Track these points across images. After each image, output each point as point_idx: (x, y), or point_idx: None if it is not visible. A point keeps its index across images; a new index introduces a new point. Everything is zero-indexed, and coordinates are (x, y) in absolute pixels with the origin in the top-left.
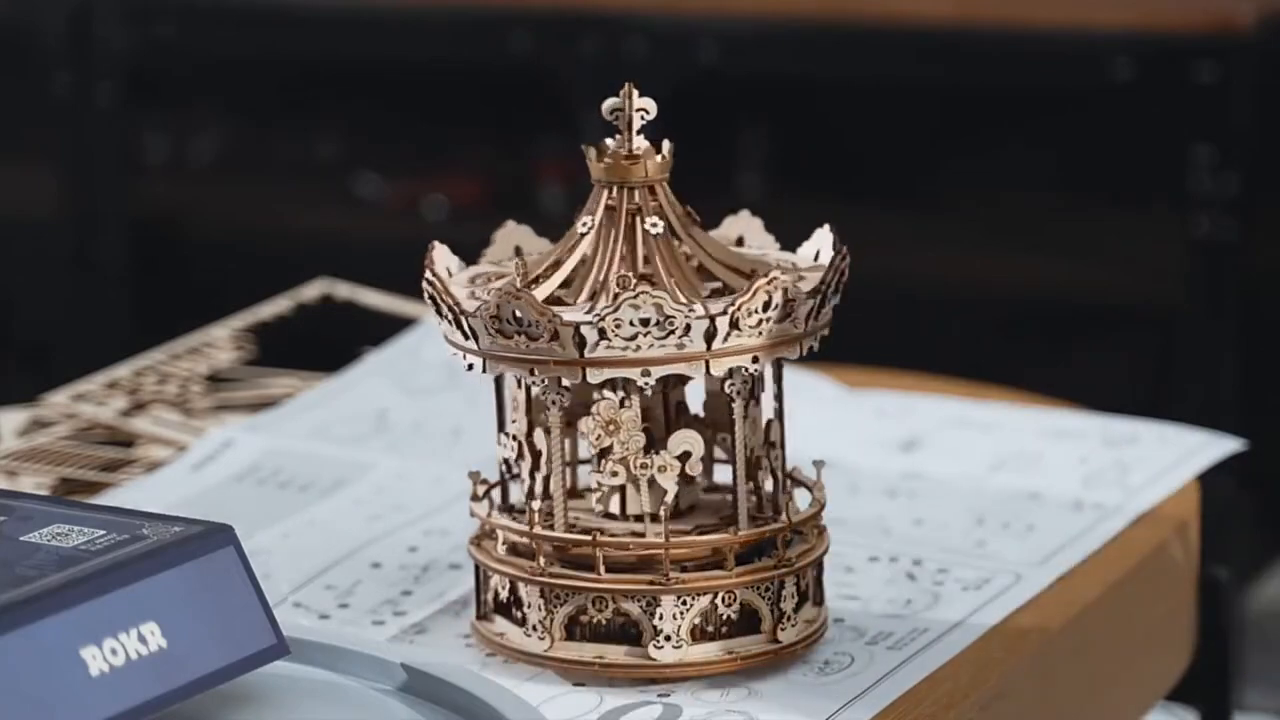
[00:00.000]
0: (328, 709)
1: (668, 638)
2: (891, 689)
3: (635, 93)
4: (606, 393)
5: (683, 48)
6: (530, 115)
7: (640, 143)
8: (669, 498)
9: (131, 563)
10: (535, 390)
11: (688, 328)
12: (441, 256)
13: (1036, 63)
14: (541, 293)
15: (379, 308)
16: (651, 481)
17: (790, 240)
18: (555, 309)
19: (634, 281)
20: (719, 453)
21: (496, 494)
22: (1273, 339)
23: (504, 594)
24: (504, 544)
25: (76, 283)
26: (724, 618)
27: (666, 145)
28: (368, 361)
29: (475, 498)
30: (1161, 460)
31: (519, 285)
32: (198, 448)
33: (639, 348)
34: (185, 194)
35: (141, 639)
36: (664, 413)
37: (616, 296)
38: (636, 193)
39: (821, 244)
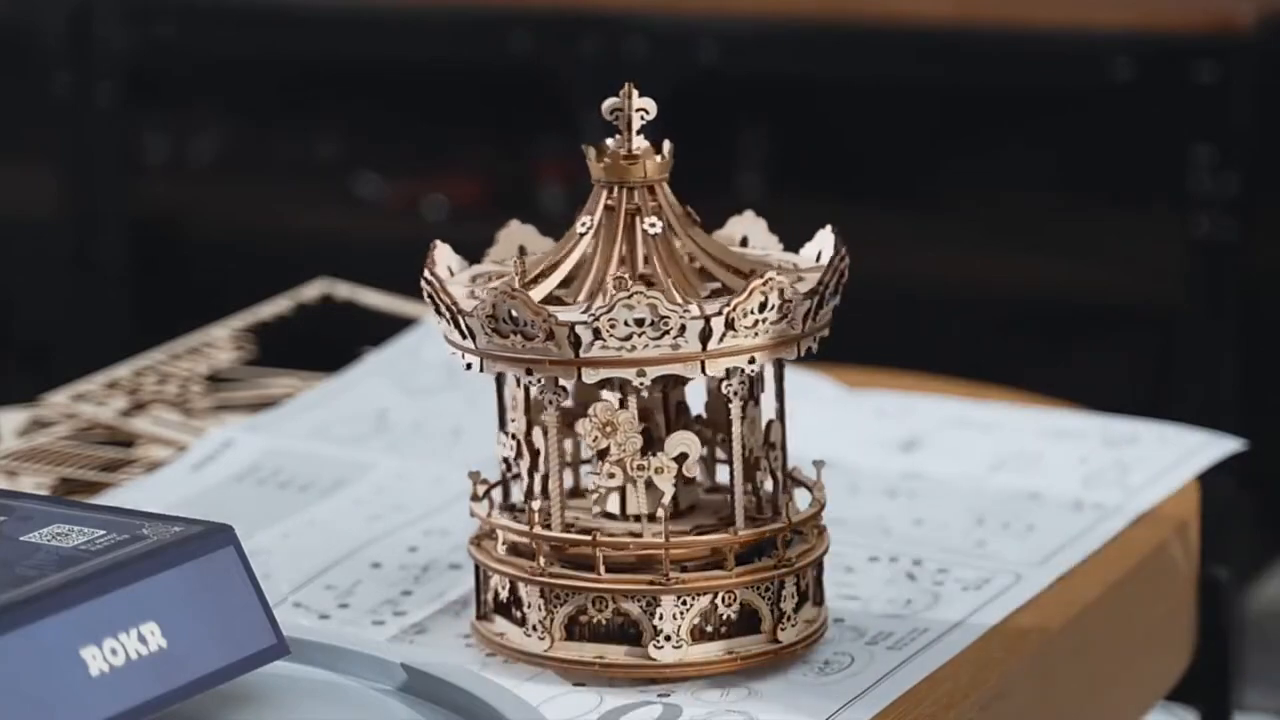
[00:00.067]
0: (328, 709)
1: (668, 638)
2: (891, 689)
3: (635, 93)
4: (605, 394)
5: (683, 48)
6: (530, 115)
7: (640, 143)
8: (666, 499)
9: (131, 563)
10: (533, 390)
11: (683, 328)
12: (443, 256)
13: (1036, 63)
14: (540, 292)
15: (379, 308)
16: (649, 483)
17: (790, 240)
18: (551, 309)
19: (630, 282)
20: (721, 453)
21: (497, 494)
22: (1273, 339)
23: (504, 594)
24: (504, 544)
25: (76, 283)
26: (724, 618)
27: (666, 145)
28: (368, 361)
29: (475, 498)
30: (1161, 460)
31: (517, 285)
32: (198, 448)
33: (634, 348)
34: (185, 194)
35: (141, 639)
36: (664, 413)
37: (611, 297)
38: (636, 193)
39: (823, 245)
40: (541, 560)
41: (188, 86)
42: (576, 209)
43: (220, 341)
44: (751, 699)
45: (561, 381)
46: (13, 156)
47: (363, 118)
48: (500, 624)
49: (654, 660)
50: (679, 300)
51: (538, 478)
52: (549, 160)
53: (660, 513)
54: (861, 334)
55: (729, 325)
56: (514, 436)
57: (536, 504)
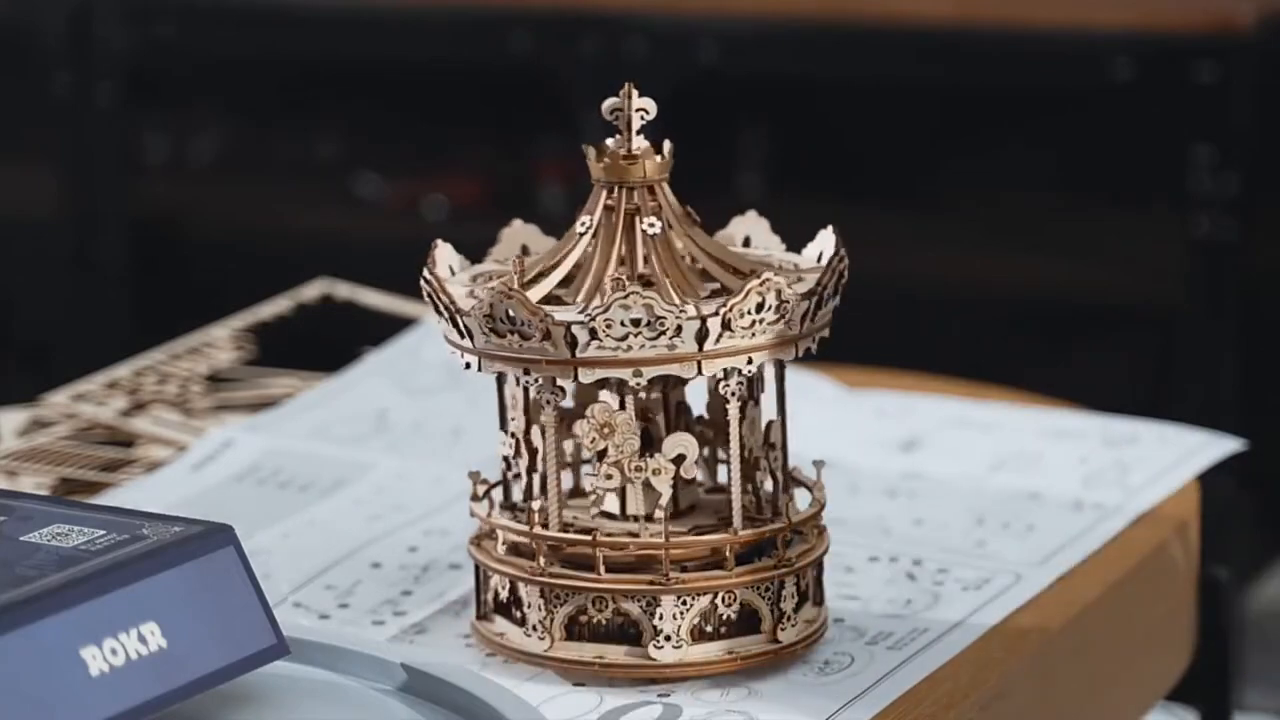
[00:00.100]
0: (328, 709)
1: (668, 638)
2: (891, 689)
3: (635, 93)
4: (603, 395)
5: (683, 48)
6: (530, 115)
7: (640, 143)
8: (663, 501)
9: (131, 563)
10: (531, 390)
11: (679, 329)
12: (444, 255)
13: (1036, 63)
14: (539, 292)
15: (379, 308)
16: (647, 484)
17: (789, 240)
18: (548, 308)
19: (628, 282)
20: (723, 453)
21: (497, 494)
22: (1273, 339)
23: (504, 594)
24: (504, 544)
25: (76, 283)
26: (724, 618)
27: (666, 145)
28: (368, 361)
29: (475, 498)
30: (1161, 460)
31: (515, 284)
32: (198, 448)
33: (630, 348)
34: (185, 194)
35: (141, 639)
36: (665, 414)
37: (608, 297)
38: (636, 193)
39: (825, 245)
40: (541, 560)
41: (188, 86)
42: (576, 209)
43: (220, 341)
44: (751, 699)
45: (559, 381)
46: (13, 156)
47: (363, 118)
48: (500, 624)
49: (654, 660)
50: (675, 301)
51: (536, 477)
52: (549, 160)
53: (658, 513)
54: (861, 334)
55: (725, 326)
56: (514, 435)
57: (536, 504)
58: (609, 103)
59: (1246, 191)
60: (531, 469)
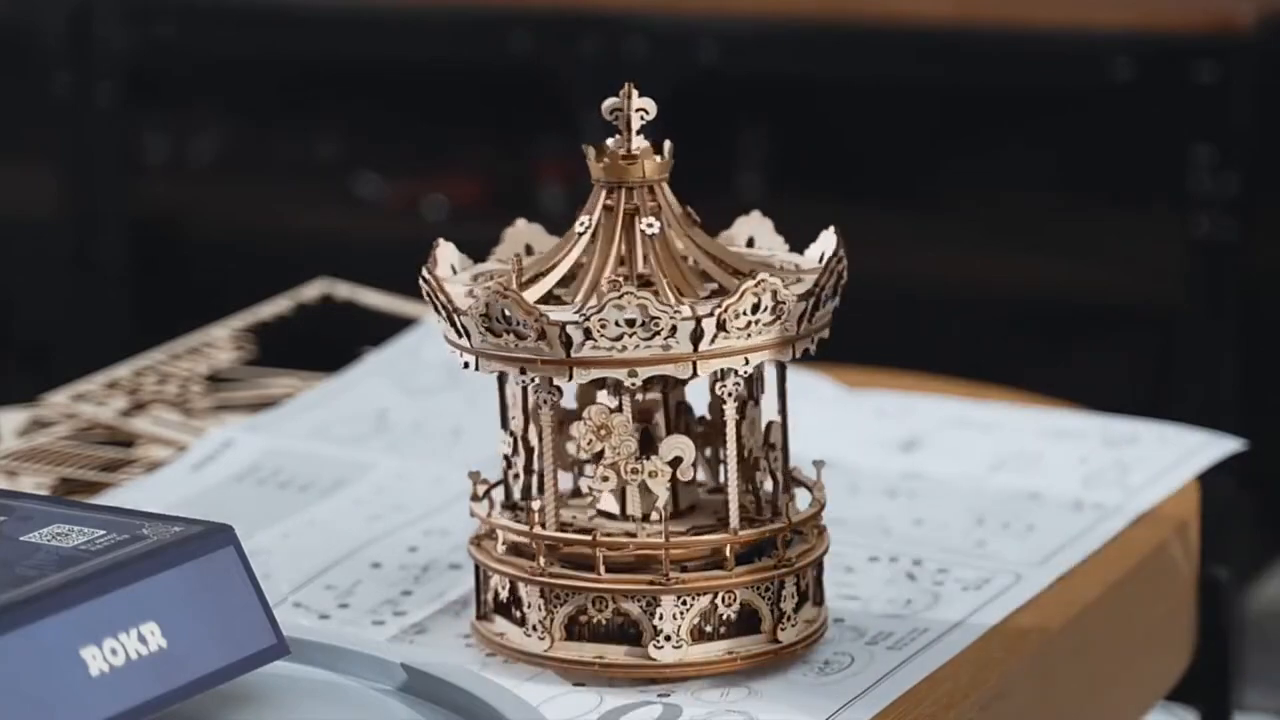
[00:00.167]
0: (328, 709)
1: (668, 638)
2: (891, 689)
3: (635, 93)
4: (601, 395)
5: (683, 48)
6: (530, 115)
7: (640, 143)
8: (660, 504)
9: (131, 563)
10: (529, 390)
11: (674, 329)
12: (445, 255)
13: (1036, 63)
14: (537, 291)
15: (379, 308)
16: (644, 486)
17: (789, 240)
18: (544, 308)
19: (623, 282)
20: (724, 453)
21: (497, 494)
22: (1273, 339)
23: (504, 594)
24: (504, 544)
25: (76, 283)
26: (724, 618)
27: (666, 145)
28: (368, 361)
29: (475, 498)
30: (1161, 460)
31: (513, 284)
32: (198, 448)
33: (625, 348)
34: (185, 194)
35: (141, 639)
36: (665, 414)
37: (603, 297)
38: (635, 193)
39: (827, 246)
40: (541, 560)
41: (188, 86)
42: (576, 209)
43: (220, 341)
44: (751, 699)
45: (556, 381)
46: (13, 156)
47: (363, 118)
48: (500, 624)
49: (654, 660)
50: (671, 301)
51: (533, 476)
52: (549, 160)
53: (657, 514)
54: (861, 334)
55: (721, 326)
56: (513, 434)
57: (536, 504)
58: (609, 103)
59: (1246, 191)
60: (529, 468)
